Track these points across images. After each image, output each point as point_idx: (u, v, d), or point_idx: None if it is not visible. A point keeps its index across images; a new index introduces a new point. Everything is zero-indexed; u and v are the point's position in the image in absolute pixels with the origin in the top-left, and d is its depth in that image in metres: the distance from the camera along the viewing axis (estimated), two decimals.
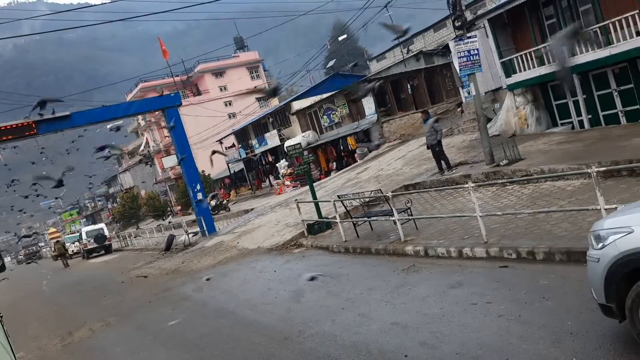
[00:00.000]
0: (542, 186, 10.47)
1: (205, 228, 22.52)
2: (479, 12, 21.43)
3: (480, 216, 7.94)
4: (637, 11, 12.38)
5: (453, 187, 11.64)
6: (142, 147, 61.70)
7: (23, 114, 20.22)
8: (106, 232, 36.27)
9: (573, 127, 15.60)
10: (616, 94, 14.29)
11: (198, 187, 23.35)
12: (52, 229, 78.81)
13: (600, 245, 4.03)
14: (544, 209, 8.45)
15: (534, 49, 15.52)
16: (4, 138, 19.43)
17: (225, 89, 56.60)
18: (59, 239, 47.37)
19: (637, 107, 13.80)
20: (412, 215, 10.31)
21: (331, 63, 46.17)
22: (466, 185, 8.32)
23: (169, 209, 47.60)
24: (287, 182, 31.49)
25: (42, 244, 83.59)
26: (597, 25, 13.55)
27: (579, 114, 15.28)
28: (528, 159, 12.56)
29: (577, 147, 12.63)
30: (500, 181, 11.13)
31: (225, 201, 35.04)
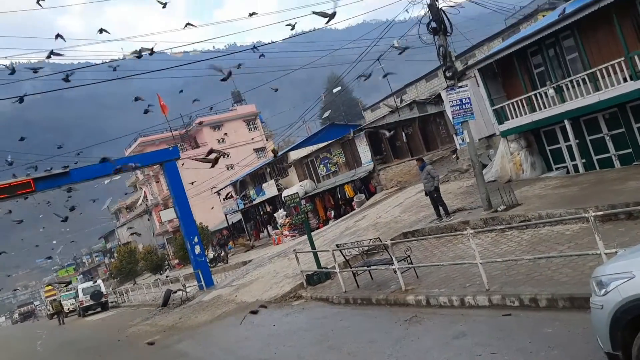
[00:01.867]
0: (541, 231, 10.44)
1: (203, 281, 22.20)
2: (470, 62, 22.08)
3: (481, 263, 7.87)
4: (623, 58, 12.76)
5: (452, 233, 11.60)
6: (140, 201, 61.71)
7: (21, 171, 20.32)
8: (103, 289, 35.67)
9: (568, 172, 15.74)
10: (608, 138, 14.51)
11: (196, 239, 23.19)
12: (48, 287, 77.50)
13: (602, 291, 3.98)
14: (544, 254, 8.39)
15: (524, 96, 15.88)
16: (3, 196, 19.44)
17: (223, 141, 57.27)
18: (55, 297, 46.49)
19: (629, 150, 13.98)
20: (412, 263, 10.21)
21: (327, 114, 46.95)
22: (465, 232, 8.30)
23: (166, 262, 47.07)
24: (286, 232, 31.34)
25: (38, 302, 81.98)
26: (585, 73, 13.93)
27: (572, 158, 15.45)
28: (525, 204, 12.58)
29: (574, 191, 12.68)
30: (498, 227, 11.10)
31: (223, 253, 34.72)
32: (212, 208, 37.02)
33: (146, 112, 22.32)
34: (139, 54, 13.35)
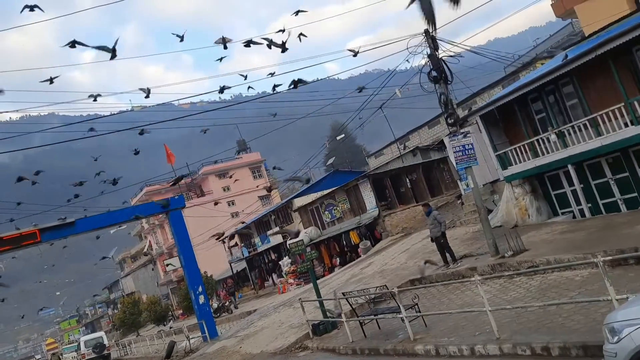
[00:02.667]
0: (550, 277, 10.29)
1: (207, 332, 21.77)
2: (472, 108, 22.43)
3: (490, 310, 7.73)
4: (623, 104, 12.95)
5: (460, 280, 11.46)
6: (145, 250, 61.47)
7: (28, 222, 20.41)
8: (105, 341, 34.99)
9: (574, 216, 15.65)
10: (612, 182, 14.51)
11: (200, 289, 22.93)
12: (50, 339, 76.09)
13: (615, 338, 3.91)
14: (554, 301, 8.24)
15: (526, 142, 16.03)
16: (8, 247, 19.46)
17: (228, 189, 57.59)
18: (56, 351, 45.59)
19: (635, 194, 13.94)
20: (420, 311, 10.03)
21: (331, 160, 47.33)
22: (473, 279, 8.20)
23: (170, 313, 46.33)
24: (291, 280, 30.94)
25: (39, 356, 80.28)
26: (586, 118, 14.10)
27: (578, 203, 15.40)
28: (533, 250, 12.46)
29: (581, 236, 12.58)
30: (506, 273, 10.95)
31: (227, 303, 34.21)
32: (220, 239, 36.81)
33: (137, 153, 22.81)
34: (147, 94, 13.73)
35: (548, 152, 15.35)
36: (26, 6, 11.39)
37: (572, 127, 14.52)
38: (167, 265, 39.58)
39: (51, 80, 12.71)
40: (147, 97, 14.18)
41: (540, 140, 15.62)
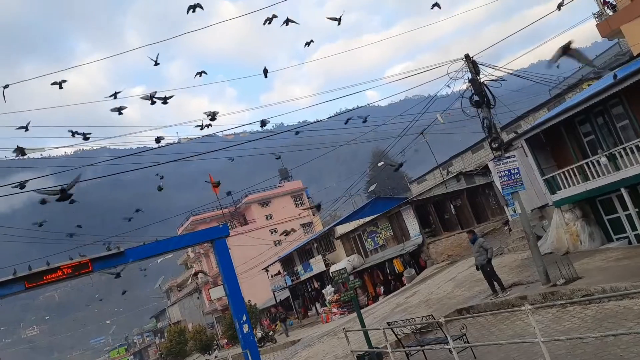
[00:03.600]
0: (606, 306, 9.80)
1: None
2: (517, 132, 21.98)
3: (543, 342, 7.40)
4: None
5: (509, 310, 11.06)
6: (190, 279, 62.47)
7: (79, 252, 21.16)
8: None
9: (630, 242, 14.92)
10: None
11: (244, 318, 22.98)
12: None
13: None
14: (611, 331, 7.83)
15: (575, 165, 15.53)
16: (62, 277, 20.19)
17: (270, 217, 58.14)
18: None
19: None
20: (468, 342, 9.72)
21: (372, 187, 47.22)
22: (523, 308, 7.90)
23: (215, 342, 46.60)
24: (334, 309, 30.63)
25: None
26: (638, 140, 13.56)
27: (634, 227, 14.69)
28: (586, 278, 11.92)
29: (638, 262, 11.96)
30: (559, 302, 10.52)
31: (271, 332, 34.12)
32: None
33: (160, 189, 23.54)
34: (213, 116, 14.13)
35: (599, 176, 14.80)
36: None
37: (624, 149, 13.98)
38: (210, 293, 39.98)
39: (120, 111, 13.48)
40: (212, 119, 14.74)
41: (590, 164, 15.10)
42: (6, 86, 11.83)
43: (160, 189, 23.80)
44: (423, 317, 11.24)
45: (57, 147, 15.52)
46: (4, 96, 11.76)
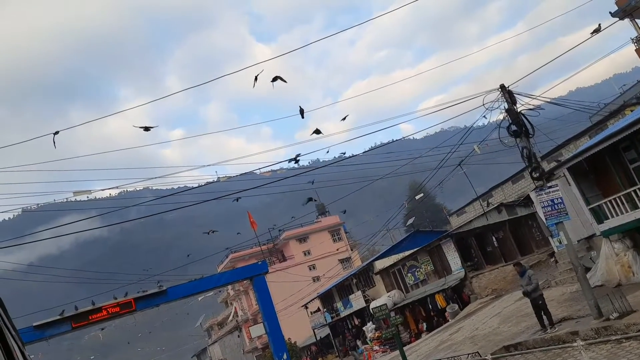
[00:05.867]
0: None
1: None
2: (560, 160, 21.46)
3: None
4: None
5: (561, 346, 10.56)
6: (230, 317, 62.49)
7: (124, 292, 21.65)
8: None
9: None
10: None
11: (285, 356, 22.76)
12: None
13: None
14: None
15: (622, 193, 14.97)
16: (107, 317, 20.62)
17: (308, 253, 58.03)
18: None
19: None
20: None
21: (411, 221, 46.70)
22: (575, 344, 7.55)
23: None
24: (376, 347, 29.91)
25: None
26: None
27: None
28: None
29: None
30: (613, 337, 9.98)
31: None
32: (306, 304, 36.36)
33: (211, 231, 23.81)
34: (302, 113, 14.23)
35: None
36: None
37: None
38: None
39: (147, 129, 14.04)
40: (302, 115, 15.19)
41: (638, 191, 14.53)
42: (56, 132, 12.46)
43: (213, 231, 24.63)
44: (469, 354, 10.86)
45: (103, 189, 16.13)
46: (54, 142, 12.36)
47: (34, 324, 19.42)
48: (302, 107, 16.06)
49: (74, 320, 20.13)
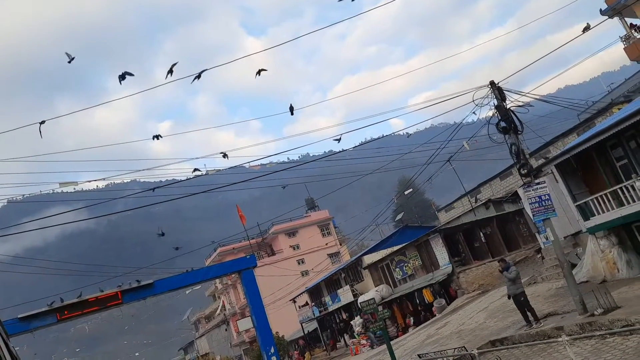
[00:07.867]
0: None
1: None
2: (547, 157, 21.62)
3: None
4: None
5: (546, 341, 10.66)
6: (218, 311, 62.37)
7: (112, 284, 21.48)
8: None
9: None
10: None
11: (272, 350, 22.76)
12: None
13: None
14: None
15: (608, 190, 15.11)
16: (93, 309, 20.45)
17: (297, 247, 58.04)
18: None
19: None
20: None
21: (399, 216, 46.79)
22: (560, 339, 7.62)
23: None
24: (363, 341, 30.05)
25: None
26: None
27: None
28: (626, 307, 11.43)
29: None
30: (598, 333, 10.09)
31: None
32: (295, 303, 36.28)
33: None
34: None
35: (634, 201, 14.34)
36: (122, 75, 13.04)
37: None
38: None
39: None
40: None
41: (624, 188, 14.67)
42: (42, 122, 12.28)
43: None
44: (455, 348, 10.93)
45: (89, 181, 15.94)
46: (40, 132, 12.18)
47: (19, 316, 19.19)
48: (292, 104, 16.33)
49: (59, 312, 19.92)
